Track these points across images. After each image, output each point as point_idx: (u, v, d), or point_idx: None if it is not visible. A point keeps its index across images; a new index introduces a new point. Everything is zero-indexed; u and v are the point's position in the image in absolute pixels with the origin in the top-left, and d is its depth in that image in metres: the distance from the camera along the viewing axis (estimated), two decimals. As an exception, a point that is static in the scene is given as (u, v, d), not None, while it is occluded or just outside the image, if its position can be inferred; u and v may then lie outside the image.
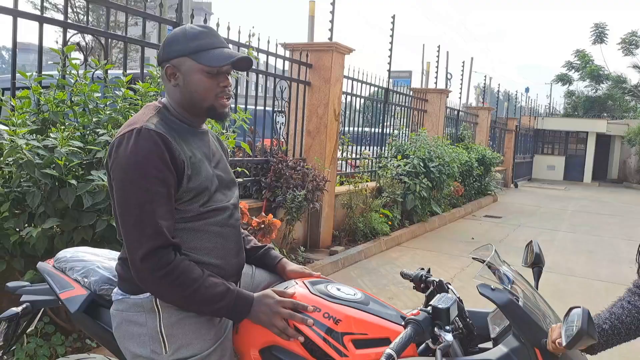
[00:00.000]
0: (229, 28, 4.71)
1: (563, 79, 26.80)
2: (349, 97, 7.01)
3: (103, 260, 1.76)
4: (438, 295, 1.43)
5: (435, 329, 1.36)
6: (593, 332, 1.19)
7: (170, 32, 1.62)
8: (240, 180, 4.89)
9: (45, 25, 3.22)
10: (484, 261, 1.52)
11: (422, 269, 1.75)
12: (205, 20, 4.73)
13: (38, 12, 3.24)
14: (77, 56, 3.25)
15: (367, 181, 7.16)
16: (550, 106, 28.82)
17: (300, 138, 6.08)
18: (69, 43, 3.30)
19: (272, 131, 5.72)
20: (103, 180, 2.59)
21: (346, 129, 7.48)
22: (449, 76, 21.58)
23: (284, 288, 1.62)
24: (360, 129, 7.78)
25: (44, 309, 1.95)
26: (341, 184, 7.10)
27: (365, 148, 8.03)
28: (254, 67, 5.13)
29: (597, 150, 22.08)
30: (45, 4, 3.28)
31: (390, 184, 7.41)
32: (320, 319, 1.50)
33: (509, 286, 1.46)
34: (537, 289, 1.61)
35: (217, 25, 4.43)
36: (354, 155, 7.63)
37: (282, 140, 5.92)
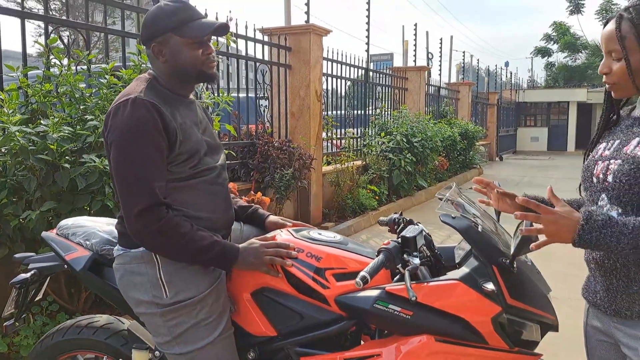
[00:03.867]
0: (206, 15, 4.81)
1: (542, 52, 27.07)
2: (331, 80, 7.15)
3: (102, 225, 1.90)
4: (407, 228, 1.60)
5: (405, 256, 1.53)
6: (535, 240, 1.35)
7: (148, 12, 1.75)
8: (228, 162, 5.03)
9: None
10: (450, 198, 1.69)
11: (396, 213, 1.92)
12: (205, 11, 4.87)
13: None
14: (62, 50, 3.37)
15: (353, 159, 7.33)
16: (532, 79, 29.11)
17: (285, 120, 6.22)
18: (51, 36, 3.40)
19: (256, 116, 5.86)
20: (95, 162, 2.73)
21: (331, 112, 7.63)
22: (430, 56, 21.75)
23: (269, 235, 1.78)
24: (343, 111, 7.93)
25: (49, 280, 2.10)
26: (328, 163, 7.26)
27: (351, 129, 8.18)
28: (234, 52, 5.26)
29: (579, 119, 22.43)
30: (25, 3, 3.38)
31: (376, 160, 7.58)
32: (304, 258, 1.66)
33: (470, 216, 1.63)
34: (498, 220, 1.78)
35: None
36: (339, 136, 7.79)
37: (267, 123, 6.05)
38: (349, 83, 7.91)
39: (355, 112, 8.18)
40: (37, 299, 2.04)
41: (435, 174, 9.72)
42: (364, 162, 7.70)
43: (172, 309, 1.60)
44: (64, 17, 3.77)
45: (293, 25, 6.69)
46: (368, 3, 8.22)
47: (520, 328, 1.52)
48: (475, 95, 15.98)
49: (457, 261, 1.67)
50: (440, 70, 13.16)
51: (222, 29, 1.68)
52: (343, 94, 7.81)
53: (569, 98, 22.17)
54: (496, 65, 19.61)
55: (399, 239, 1.55)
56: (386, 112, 9.26)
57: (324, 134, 6.93)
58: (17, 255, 1.99)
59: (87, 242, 1.82)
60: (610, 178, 1.34)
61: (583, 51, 25.68)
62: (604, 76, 1.40)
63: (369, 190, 7.14)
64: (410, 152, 7.93)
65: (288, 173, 5.25)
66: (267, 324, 1.69)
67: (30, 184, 2.71)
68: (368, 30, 8.30)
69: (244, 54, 5.69)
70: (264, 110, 6.04)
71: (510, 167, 14.92)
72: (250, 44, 5.55)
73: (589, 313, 1.54)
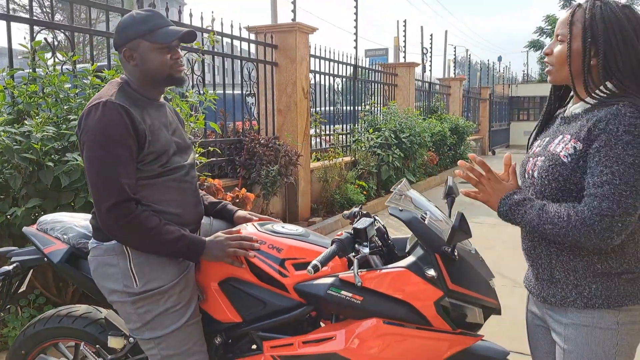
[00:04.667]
0: (191, 15, 4.92)
1: (535, 45, 27.16)
2: (320, 76, 7.25)
3: (79, 221, 2.02)
4: (359, 220, 1.72)
5: (356, 246, 1.65)
6: (466, 229, 1.48)
7: (120, 20, 1.86)
8: (213, 160, 5.15)
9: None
10: (402, 193, 1.81)
11: (356, 206, 2.04)
12: (179, 10, 4.95)
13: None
14: (47, 51, 3.47)
15: (341, 156, 7.44)
16: (527, 73, 29.21)
17: (272, 117, 6.32)
18: (36, 39, 3.51)
19: (242, 113, 5.96)
20: (78, 161, 2.84)
21: (320, 108, 7.73)
22: (425, 51, 21.84)
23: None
24: (332, 107, 8.04)
25: (37, 275, 2.22)
26: (317, 160, 7.37)
27: (339, 125, 8.29)
28: (219, 51, 5.36)
29: (571, 112, 22.53)
30: (12, 5, 3.48)
31: (365, 156, 7.70)
32: (266, 249, 1.78)
33: (418, 208, 1.75)
34: (450, 215, 1.89)
35: (180, 12, 4.64)
36: (327, 132, 7.90)
37: (254, 120, 6.16)
38: (337, 80, 8.02)
39: (345, 108, 8.29)
40: (20, 290, 2.16)
41: (424, 168, 9.85)
42: (353, 158, 7.82)
43: (141, 297, 1.72)
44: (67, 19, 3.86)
45: (279, 23, 6.79)
46: (356, 0, 8.31)
47: (463, 311, 1.64)
48: (467, 90, 16.09)
49: (406, 250, 1.79)
50: (431, 65, 13.27)
51: (188, 35, 1.80)
52: (332, 90, 7.93)
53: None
54: (488, 60, 19.71)
55: (352, 230, 1.67)
56: (376, 109, 9.37)
57: (312, 131, 7.05)
58: (0, 250, 2.11)
59: (65, 237, 1.94)
60: (536, 174, 1.46)
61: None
62: (546, 57, 1.49)
63: (357, 186, 7.26)
64: (399, 148, 8.05)
65: (274, 170, 5.37)
66: (233, 311, 1.81)
67: (15, 181, 2.82)
68: (356, 27, 8.40)
69: (232, 51, 5.79)
70: (251, 108, 6.15)
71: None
72: (238, 42, 5.66)
73: (529, 299, 1.66)
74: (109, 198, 1.65)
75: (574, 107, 1.48)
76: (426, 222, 1.69)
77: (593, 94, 1.40)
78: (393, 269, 1.65)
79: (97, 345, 2.01)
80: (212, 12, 4.73)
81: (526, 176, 1.53)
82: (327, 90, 7.69)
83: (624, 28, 1.36)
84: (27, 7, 3.75)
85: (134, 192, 1.70)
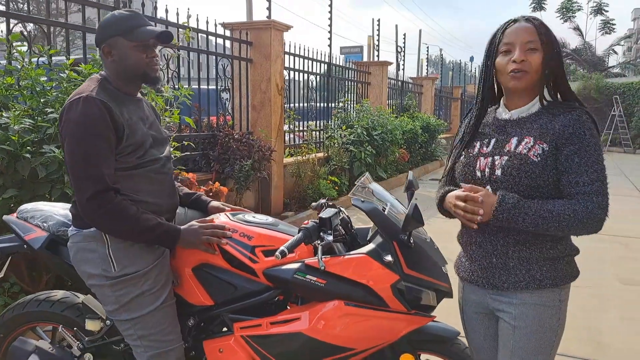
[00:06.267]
0: (167, 11, 4.98)
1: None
2: (295, 74, 7.37)
3: (58, 209, 2.12)
4: (325, 210, 1.86)
5: (321, 234, 1.79)
6: (418, 217, 1.63)
7: (103, 19, 1.96)
8: (187, 154, 5.22)
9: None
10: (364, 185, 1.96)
11: (323, 199, 2.18)
12: (155, 7, 5.01)
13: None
14: (23, 44, 3.51)
15: (315, 152, 7.58)
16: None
17: (247, 113, 6.42)
18: (12, 32, 3.54)
19: (217, 108, 6.04)
20: (54, 153, 2.91)
21: (296, 105, 7.85)
22: (399, 49, 22.12)
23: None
24: (307, 104, 8.16)
25: (10, 264, 2.30)
26: (291, 155, 7.50)
27: (313, 122, 8.43)
28: (195, 46, 5.43)
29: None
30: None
31: (337, 152, 7.86)
32: (237, 237, 1.91)
33: (379, 200, 1.90)
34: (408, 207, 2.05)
35: (155, 8, 4.70)
36: (301, 128, 8.02)
37: (229, 115, 6.25)
38: (312, 77, 8.15)
39: (319, 105, 8.43)
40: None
41: (396, 165, 10.05)
42: (326, 154, 7.97)
43: (119, 281, 1.83)
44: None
45: (254, 20, 6.88)
46: (330, 3, 8.45)
47: (418, 294, 1.80)
48: (440, 90, 16.39)
49: (367, 238, 1.95)
50: (404, 64, 13.51)
51: (165, 35, 1.91)
52: (306, 87, 8.06)
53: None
54: (461, 60, 20.09)
55: (318, 220, 1.82)
56: (349, 106, 9.54)
57: (286, 127, 7.16)
58: (-22, 237, 2.18)
59: (45, 224, 2.03)
60: (499, 172, 1.60)
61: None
62: (513, 64, 1.56)
63: (329, 181, 7.41)
64: (371, 145, 8.23)
65: (247, 164, 5.48)
66: (206, 295, 1.94)
67: (-8, 172, 2.87)
68: (330, 26, 8.54)
69: (207, 47, 5.86)
70: (225, 103, 6.23)
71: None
72: (213, 38, 5.73)
73: (465, 289, 1.80)
74: (90, 188, 1.75)
75: (515, 112, 1.65)
76: (386, 212, 1.85)
77: (553, 99, 1.62)
78: (354, 255, 1.80)
79: (75, 328, 2.11)
80: (188, 9, 4.80)
81: (479, 175, 1.64)
82: (301, 87, 7.82)
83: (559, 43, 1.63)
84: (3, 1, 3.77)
85: (113, 182, 1.81)
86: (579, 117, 1.54)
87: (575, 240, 1.67)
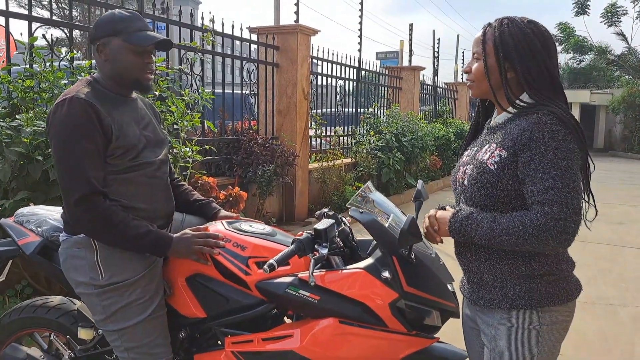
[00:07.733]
0: (191, 14, 4.98)
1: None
2: (323, 78, 7.28)
3: (54, 214, 2.07)
4: (321, 221, 1.75)
5: (316, 246, 1.68)
6: (415, 232, 1.50)
7: (101, 16, 1.91)
8: (209, 158, 5.19)
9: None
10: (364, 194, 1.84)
11: (326, 208, 2.07)
12: (192, 10, 5.03)
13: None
14: (44, 47, 3.55)
15: (342, 158, 7.47)
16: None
17: (272, 118, 6.37)
18: (34, 35, 3.58)
19: (241, 112, 6.01)
20: (66, 155, 2.89)
21: (322, 110, 7.76)
22: (435, 54, 21.81)
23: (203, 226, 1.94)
24: (334, 109, 8.06)
25: (13, 264, 2.27)
26: (317, 161, 7.40)
27: (341, 127, 8.31)
28: (219, 51, 5.41)
29: (582, 120, 22.35)
30: (11, 2, 3.55)
31: (365, 158, 7.72)
32: (231, 247, 1.81)
33: (380, 211, 1.77)
34: (417, 217, 1.92)
35: (180, 12, 4.70)
36: (329, 134, 7.92)
37: (254, 120, 6.21)
38: (340, 82, 8.05)
39: (347, 110, 8.31)
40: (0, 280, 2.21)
41: (427, 172, 9.83)
42: (354, 160, 7.84)
43: (106, 290, 1.76)
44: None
45: (281, 24, 6.85)
46: (361, 3, 8.35)
47: (420, 313, 1.67)
48: (476, 95, 16.01)
49: (367, 252, 1.82)
50: (437, 69, 13.26)
51: (164, 43, 1.85)
52: (334, 92, 7.95)
53: (573, 99, 22.11)
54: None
55: (313, 231, 1.70)
56: (380, 111, 9.39)
57: (312, 132, 7.08)
58: (-21, 241, 2.16)
59: (39, 229, 1.99)
60: (466, 182, 1.52)
61: (589, 53, 25.52)
62: (466, 75, 1.58)
63: (355, 187, 7.28)
64: (400, 151, 8.06)
65: (270, 169, 5.41)
66: (198, 307, 1.85)
67: (5, 174, 2.88)
68: (360, 30, 8.43)
69: (232, 51, 5.84)
70: (251, 107, 6.20)
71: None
72: (238, 42, 5.71)
73: (463, 303, 1.71)
74: (77, 191, 1.69)
75: (498, 118, 1.55)
76: (387, 225, 1.72)
77: (514, 104, 1.47)
78: (351, 270, 1.68)
79: (68, 336, 2.06)
80: (210, 12, 4.78)
81: (457, 184, 1.59)
82: (329, 92, 7.72)
83: (531, 42, 1.45)
84: (27, 4, 3.82)
85: (102, 185, 1.74)
86: (539, 119, 1.38)
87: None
